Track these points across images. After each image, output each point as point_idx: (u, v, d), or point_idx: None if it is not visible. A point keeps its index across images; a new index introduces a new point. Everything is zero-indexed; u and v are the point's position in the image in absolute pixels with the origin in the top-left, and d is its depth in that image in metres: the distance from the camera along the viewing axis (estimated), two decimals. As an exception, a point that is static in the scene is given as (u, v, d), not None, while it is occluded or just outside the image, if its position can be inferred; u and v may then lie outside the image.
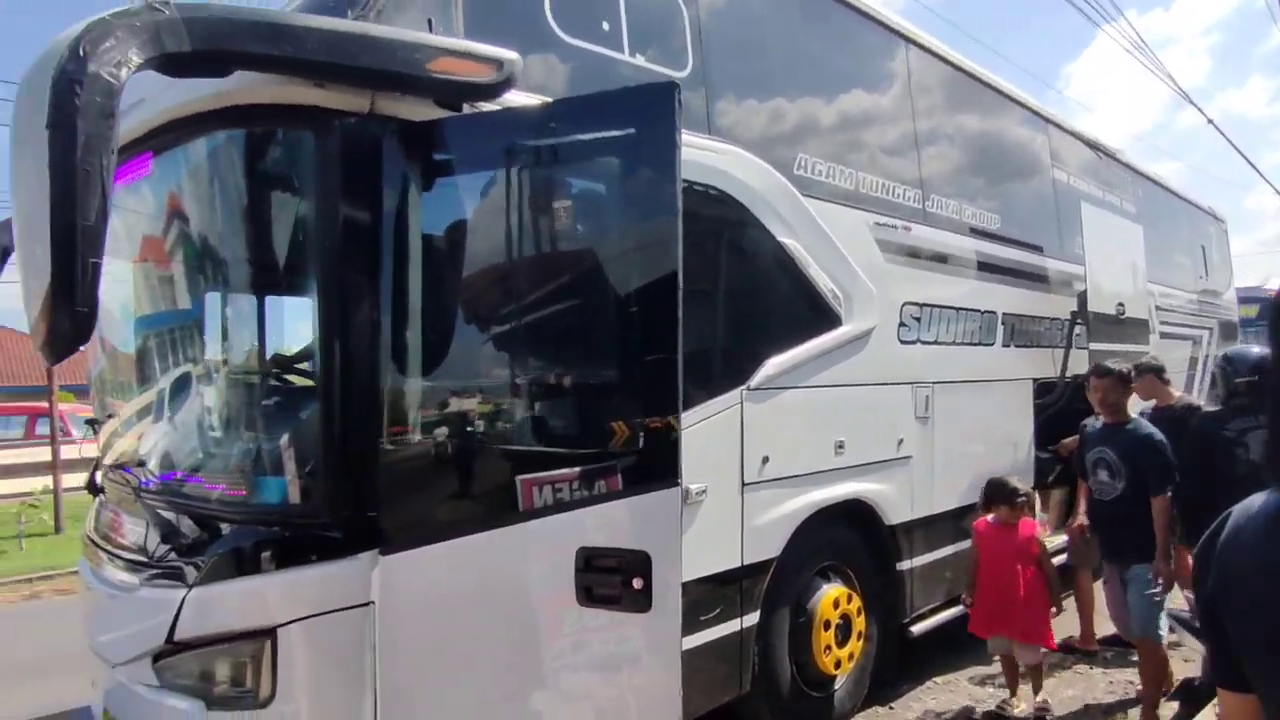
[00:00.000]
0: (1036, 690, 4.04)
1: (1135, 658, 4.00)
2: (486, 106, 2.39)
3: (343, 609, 2.18)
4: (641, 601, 1.93)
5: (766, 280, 3.60)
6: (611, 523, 2.00)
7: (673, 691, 1.95)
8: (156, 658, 2.26)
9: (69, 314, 1.69)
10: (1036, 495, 4.92)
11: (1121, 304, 6.38)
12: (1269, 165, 46.45)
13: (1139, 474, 3.82)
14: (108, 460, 3.03)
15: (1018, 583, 3.91)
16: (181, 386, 2.57)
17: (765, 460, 3.45)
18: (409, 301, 2.23)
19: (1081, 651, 4.77)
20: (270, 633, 2.12)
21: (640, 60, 3.08)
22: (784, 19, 3.98)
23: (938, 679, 4.55)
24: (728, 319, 3.39)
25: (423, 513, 2.18)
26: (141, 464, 2.66)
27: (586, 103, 2.21)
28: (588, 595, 1.97)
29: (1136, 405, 4.56)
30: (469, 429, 2.23)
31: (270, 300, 2.46)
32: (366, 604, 2.18)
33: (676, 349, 1.95)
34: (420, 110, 2.34)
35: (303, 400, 2.32)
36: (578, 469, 2.08)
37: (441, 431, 2.20)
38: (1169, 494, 3.69)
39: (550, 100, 2.28)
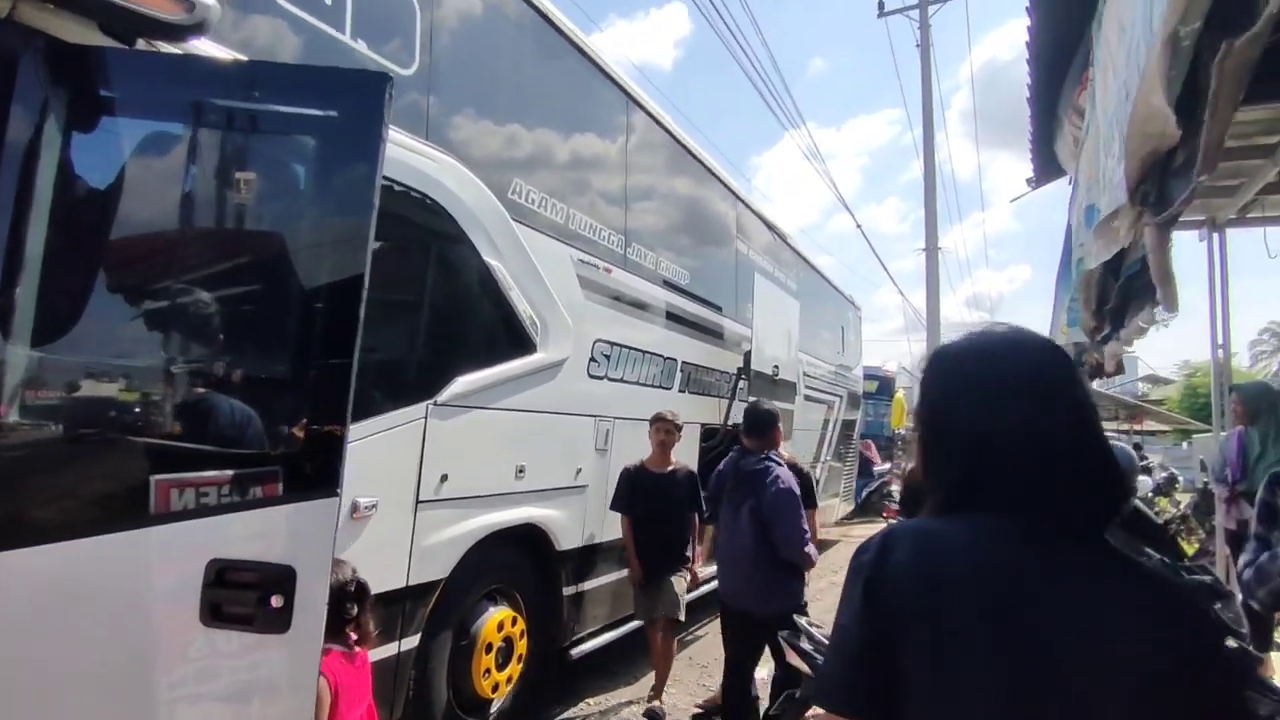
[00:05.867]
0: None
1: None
2: (164, 48, 2.08)
3: None
4: (279, 622, 1.74)
5: (466, 298, 3.57)
6: (256, 533, 1.79)
7: (305, 718, 1.78)
8: None
9: None
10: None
11: (777, 366, 7.37)
12: (893, 270, 57.66)
13: None
14: None
15: None
16: None
17: (444, 479, 3.38)
18: (27, 252, 1.83)
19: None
20: None
21: (362, 46, 2.92)
22: (518, 47, 4.05)
23: (590, 700, 4.75)
24: (421, 330, 3.30)
25: (20, 509, 1.77)
26: None
27: (289, 72, 2.01)
28: (214, 614, 1.74)
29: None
30: (94, 414, 1.86)
31: None
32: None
33: (352, 352, 1.83)
34: (79, 32, 1.96)
35: None
36: (221, 471, 1.84)
37: (58, 414, 1.81)
38: None
39: (245, 59, 2.04)
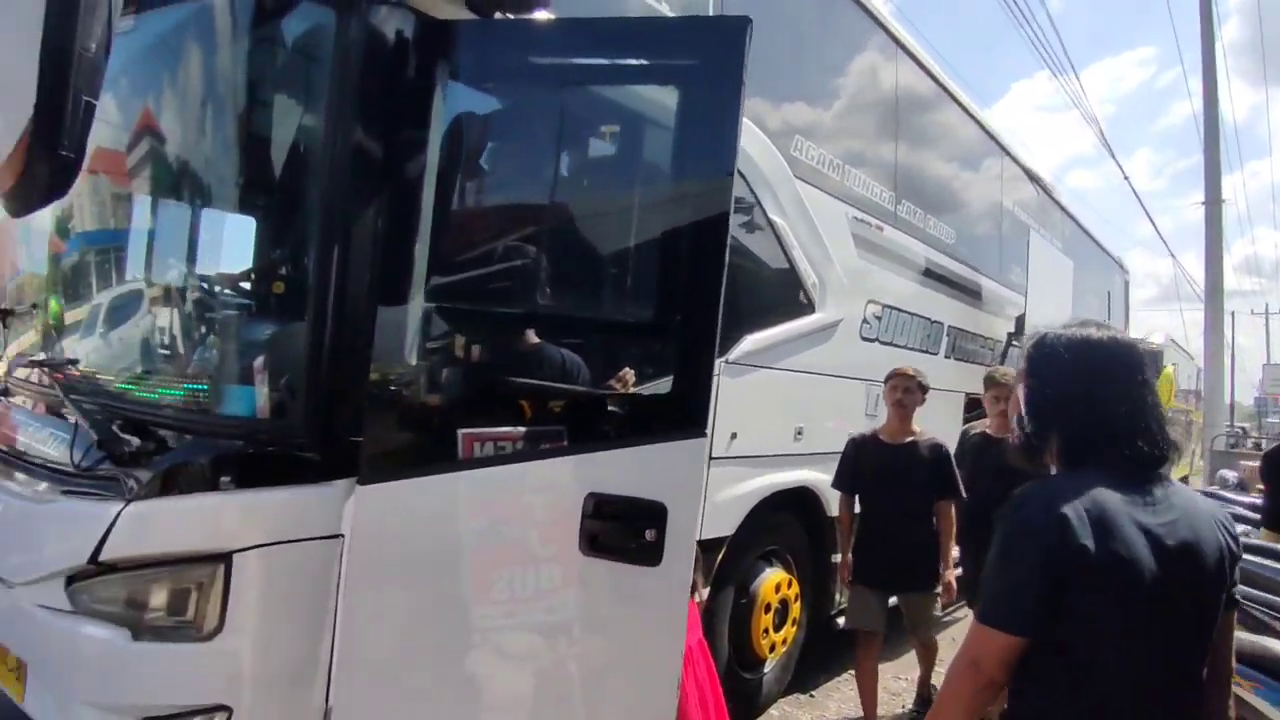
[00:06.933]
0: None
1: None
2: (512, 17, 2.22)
3: (309, 539, 1.97)
4: (651, 555, 1.82)
5: (754, 255, 3.56)
6: (627, 469, 1.88)
7: (676, 651, 1.86)
8: (71, 579, 1.98)
9: (50, 157, 1.43)
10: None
11: (1049, 332, 6.71)
12: (1147, 233, 50.52)
13: None
14: (24, 356, 2.67)
15: None
16: (139, 285, 2.28)
17: (734, 436, 3.40)
18: (420, 217, 2.03)
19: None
20: (224, 558, 1.88)
21: (665, 8, 2.96)
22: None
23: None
24: (716, 289, 3.32)
25: (414, 442, 2.00)
26: (73, 362, 2.34)
27: (644, 26, 2.07)
28: (592, 544, 1.86)
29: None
30: (477, 359, 2.06)
31: (264, 202, 2.21)
32: (336, 536, 1.99)
33: (718, 299, 1.85)
34: (442, 7, 2.14)
35: (288, 310, 2.09)
36: (594, 409, 1.96)
37: (446, 359, 2.03)
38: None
39: (602, 18, 2.13)
